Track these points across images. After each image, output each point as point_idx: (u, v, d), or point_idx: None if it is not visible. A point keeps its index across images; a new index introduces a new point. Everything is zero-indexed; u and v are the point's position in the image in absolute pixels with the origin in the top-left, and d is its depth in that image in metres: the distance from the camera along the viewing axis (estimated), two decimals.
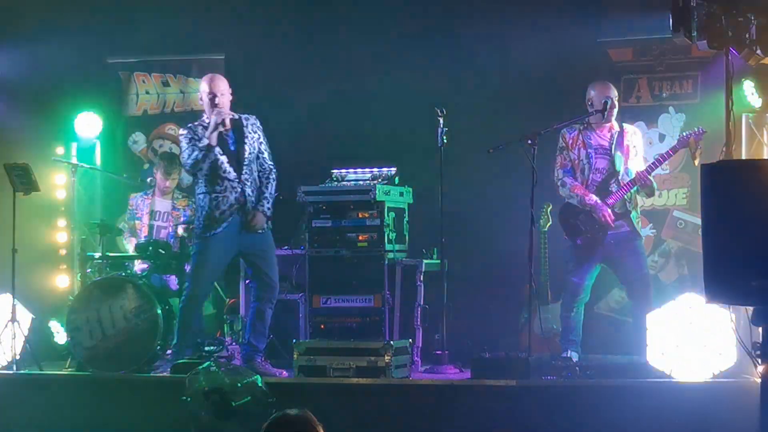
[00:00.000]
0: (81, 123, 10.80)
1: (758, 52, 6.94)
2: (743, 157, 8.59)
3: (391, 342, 8.53)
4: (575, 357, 8.61)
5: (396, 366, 8.43)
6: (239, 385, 7.95)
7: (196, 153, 8.54)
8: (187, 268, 9.12)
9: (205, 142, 8.54)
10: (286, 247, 9.84)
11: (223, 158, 8.59)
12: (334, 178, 9.41)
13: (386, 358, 8.38)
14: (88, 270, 9.52)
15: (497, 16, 9.96)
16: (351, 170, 9.47)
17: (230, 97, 8.72)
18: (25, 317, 9.52)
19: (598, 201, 8.60)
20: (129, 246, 9.89)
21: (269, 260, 8.81)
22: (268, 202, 8.70)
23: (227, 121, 8.56)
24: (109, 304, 8.99)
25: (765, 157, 8.66)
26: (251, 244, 8.73)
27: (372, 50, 10.21)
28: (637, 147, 8.78)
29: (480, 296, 9.77)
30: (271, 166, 8.77)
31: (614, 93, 8.73)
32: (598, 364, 8.62)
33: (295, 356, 8.55)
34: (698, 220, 8.71)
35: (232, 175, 8.60)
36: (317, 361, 8.51)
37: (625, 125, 8.83)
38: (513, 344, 9.03)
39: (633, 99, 9.88)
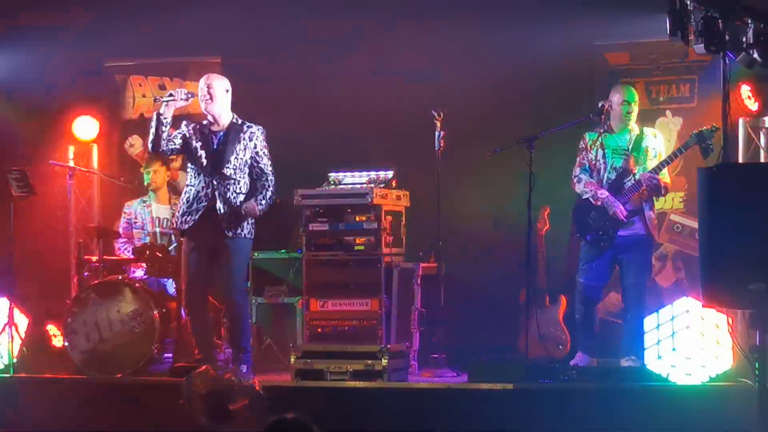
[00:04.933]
0: (78, 126, 10.81)
1: (755, 56, 6.95)
2: (740, 162, 8.60)
3: (388, 345, 8.53)
4: (586, 359, 8.62)
5: (393, 369, 8.43)
6: (236, 388, 7.95)
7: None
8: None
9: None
10: (283, 251, 9.85)
11: (203, 152, 8.69)
12: (331, 182, 9.40)
13: (383, 361, 8.38)
14: (86, 273, 9.52)
15: (494, 19, 9.97)
16: (348, 173, 9.45)
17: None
18: (22, 321, 9.52)
19: (610, 195, 8.64)
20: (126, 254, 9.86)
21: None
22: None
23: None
24: (107, 307, 9.00)
25: (762, 160, 8.68)
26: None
27: (369, 52, 10.21)
28: (657, 149, 8.81)
29: (477, 300, 9.77)
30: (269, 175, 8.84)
31: (633, 97, 8.76)
32: (596, 367, 8.63)
33: (292, 360, 8.55)
34: (695, 224, 8.72)
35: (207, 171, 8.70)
36: (314, 365, 8.51)
37: (646, 129, 8.87)
38: (510, 348, 9.03)
39: None
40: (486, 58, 10.05)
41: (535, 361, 8.43)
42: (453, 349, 9.03)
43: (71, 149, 10.77)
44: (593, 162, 8.83)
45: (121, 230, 9.92)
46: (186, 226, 8.70)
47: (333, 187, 9.34)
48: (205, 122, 8.82)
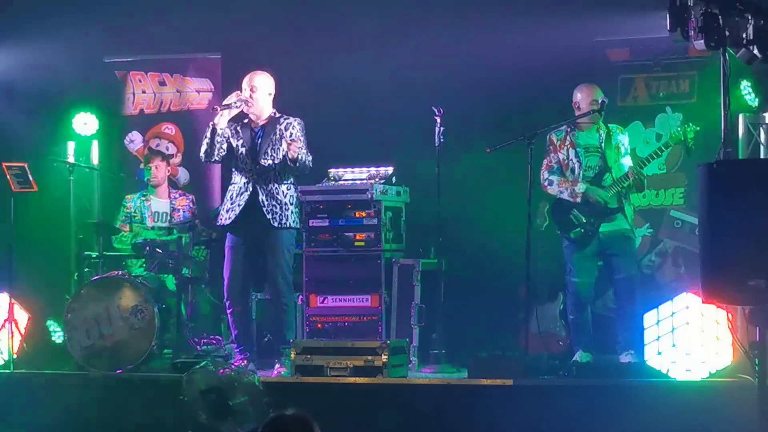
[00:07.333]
0: (78, 122, 10.81)
1: (755, 52, 6.94)
2: (740, 157, 8.59)
3: (388, 341, 8.53)
4: (586, 358, 8.62)
5: (393, 365, 8.42)
6: (236, 384, 7.96)
7: None
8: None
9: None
10: None
11: (243, 149, 8.83)
12: (331, 178, 9.41)
13: (383, 357, 8.38)
14: (86, 269, 9.52)
15: (495, 15, 9.96)
16: (348, 169, 9.46)
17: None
18: (22, 317, 9.52)
19: (588, 185, 8.65)
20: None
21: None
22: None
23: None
24: (107, 303, 8.99)
25: (762, 156, 8.67)
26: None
27: (369, 49, 10.20)
28: (625, 146, 8.86)
29: (477, 295, 9.76)
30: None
31: (601, 95, 8.83)
32: (595, 363, 8.63)
33: (292, 355, 8.55)
34: (695, 220, 8.72)
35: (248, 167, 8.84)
36: (314, 361, 8.50)
37: (612, 125, 8.90)
38: (510, 343, 9.03)
39: (630, 99, 9.88)
40: (486, 55, 10.04)
41: (535, 357, 8.43)
42: (453, 345, 9.02)
43: (71, 145, 10.76)
44: (564, 161, 8.83)
45: (119, 224, 9.93)
46: (228, 222, 8.81)
47: (333, 183, 9.35)
48: (246, 120, 8.93)
